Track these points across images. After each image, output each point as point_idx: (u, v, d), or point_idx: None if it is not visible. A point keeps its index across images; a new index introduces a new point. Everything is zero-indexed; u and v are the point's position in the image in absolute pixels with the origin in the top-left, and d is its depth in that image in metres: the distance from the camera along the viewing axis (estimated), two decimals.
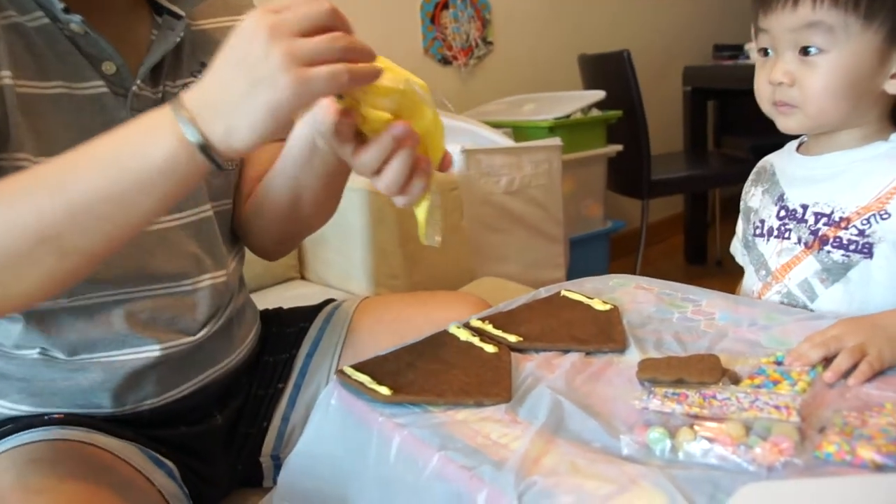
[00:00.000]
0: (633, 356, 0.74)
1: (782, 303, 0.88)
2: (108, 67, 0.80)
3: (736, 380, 0.67)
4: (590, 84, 2.71)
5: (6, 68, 0.73)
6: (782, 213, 0.90)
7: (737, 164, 2.97)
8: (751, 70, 0.89)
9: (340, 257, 1.64)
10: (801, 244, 0.87)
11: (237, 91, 0.57)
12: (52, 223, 0.60)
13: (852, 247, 0.83)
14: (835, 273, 0.85)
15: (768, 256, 0.92)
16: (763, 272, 0.92)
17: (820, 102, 0.82)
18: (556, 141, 1.98)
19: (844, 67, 0.80)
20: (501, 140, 1.90)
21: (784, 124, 0.86)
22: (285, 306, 1.12)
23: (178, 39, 0.85)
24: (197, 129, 0.59)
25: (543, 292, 0.94)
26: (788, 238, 0.89)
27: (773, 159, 0.97)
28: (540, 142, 1.98)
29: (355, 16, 2.28)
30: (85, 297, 0.80)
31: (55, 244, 0.61)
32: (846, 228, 0.84)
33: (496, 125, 2.13)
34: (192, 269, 0.87)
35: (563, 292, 0.92)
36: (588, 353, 0.76)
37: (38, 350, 0.80)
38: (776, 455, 0.53)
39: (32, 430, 0.77)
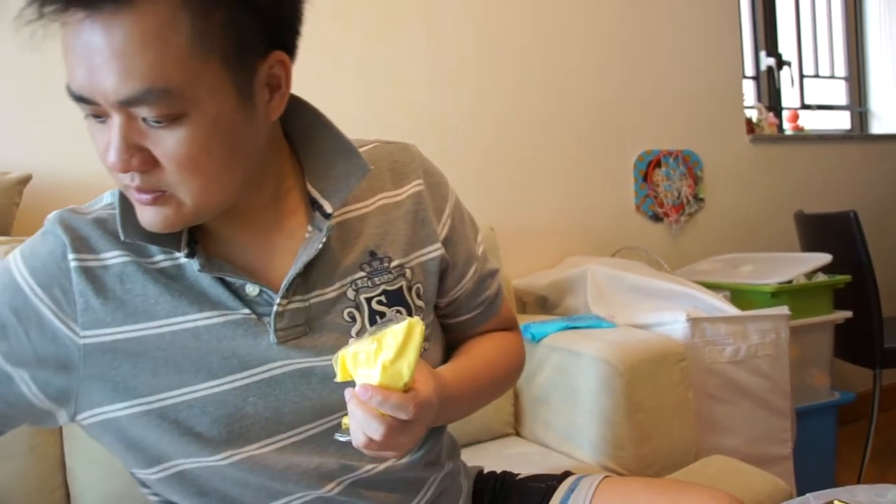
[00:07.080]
0: None
1: None
2: (251, 291, 0.75)
3: None
4: (808, 243, 2.62)
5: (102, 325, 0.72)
6: None
7: None
8: None
9: (561, 420, 1.65)
10: None
11: None
12: None
13: None
14: None
15: None
16: None
17: None
18: (783, 310, 1.91)
19: None
20: (724, 306, 1.86)
21: None
22: (503, 467, 1.07)
23: (321, 245, 0.75)
24: None
25: (812, 500, 0.89)
26: None
27: None
28: (767, 310, 1.91)
29: (571, 173, 2.40)
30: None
31: None
32: None
33: (713, 286, 2.10)
34: None
35: (836, 503, 0.87)
36: None
37: None
38: None
39: None
